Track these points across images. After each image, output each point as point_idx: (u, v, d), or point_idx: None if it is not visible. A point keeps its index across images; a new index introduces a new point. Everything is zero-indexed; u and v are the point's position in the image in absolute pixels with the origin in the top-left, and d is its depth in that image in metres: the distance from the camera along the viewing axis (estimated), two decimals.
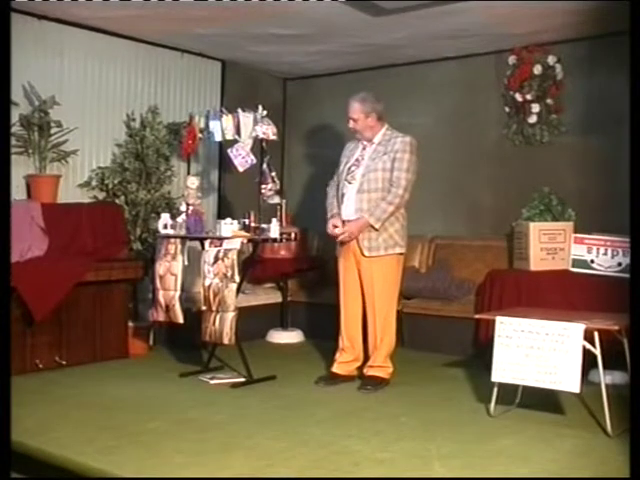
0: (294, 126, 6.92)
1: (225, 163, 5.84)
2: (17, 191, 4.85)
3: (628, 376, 3.53)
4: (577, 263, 4.87)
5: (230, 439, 3.29)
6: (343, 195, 4.35)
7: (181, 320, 4.48)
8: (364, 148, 4.39)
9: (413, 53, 5.92)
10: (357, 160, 4.37)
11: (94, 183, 5.39)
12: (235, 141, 4.58)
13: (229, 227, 4.33)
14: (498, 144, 5.80)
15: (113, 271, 4.88)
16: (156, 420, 3.54)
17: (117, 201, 5.39)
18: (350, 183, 4.32)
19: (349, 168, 4.37)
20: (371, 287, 4.28)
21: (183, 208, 4.65)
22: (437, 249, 5.93)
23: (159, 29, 5.39)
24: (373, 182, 4.24)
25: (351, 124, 4.37)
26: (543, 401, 3.84)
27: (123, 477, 2.84)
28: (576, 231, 4.96)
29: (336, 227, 4.30)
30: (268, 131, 4.48)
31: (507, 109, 5.73)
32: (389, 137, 4.34)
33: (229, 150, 4.59)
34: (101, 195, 5.43)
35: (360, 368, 4.44)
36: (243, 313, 4.35)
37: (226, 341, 4.20)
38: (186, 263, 4.50)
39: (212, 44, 5.83)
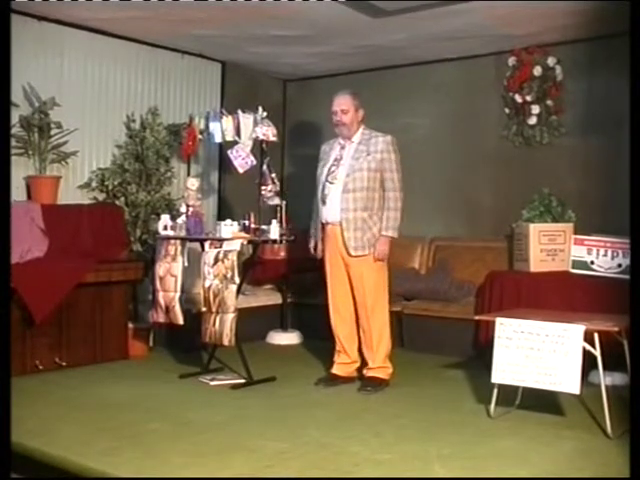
0: (294, 127, 6.92)
1: (225, 164, 5.84)
2: (17, 192, 4.85)
3: (628, 377, 3.53)
4: (577, 264, 4.86)
5: (230, 440, 3.29)
6: (325, 197, 4.31)
7: (181, 321, 4.48)
8: (342, 148, 4.33)
9: (413, 54, 5.92)
10: (336, 160, 4.31)
11: (94, 184, 5.39)
12: (235, 142, 4.59)
13: (229, 228, 4.33)
14: (498, 145, 5.80)
15: (113, 272, 4.88)
16: (156, 421, 3.54)
17: (117, 202, 5.39)
18: (332, 184, 4.27)
19: (329, 169, 4.32)
20: (361, 286, 4.26)
21: (183, 209, 4.65)
22: (437, 250, 5.94)
23: (159, 30, 5.39)
24: (359, 181, 4.19)
25: (338, 116, 4.27)
26: (543, 402, 3.84)
27: (123, 478, 2.84)
28: (576, 232, 4.95)
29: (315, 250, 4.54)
30: (268, 132, 4.48)
31: (507, 110, 5.73)
32: (369, 136, 4.28)
33: (229, 151, 4.60)
34: (101, 196, 5.43)
35: (360, 369, 4.44)
36: (243, 314, 4.35)
37: (226, 342, 4.20)
38: (186, 264, 4.50)
39: (212, 45, 5.84)
